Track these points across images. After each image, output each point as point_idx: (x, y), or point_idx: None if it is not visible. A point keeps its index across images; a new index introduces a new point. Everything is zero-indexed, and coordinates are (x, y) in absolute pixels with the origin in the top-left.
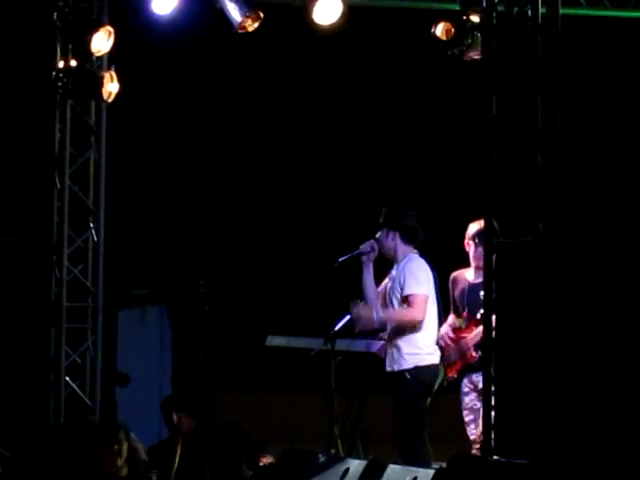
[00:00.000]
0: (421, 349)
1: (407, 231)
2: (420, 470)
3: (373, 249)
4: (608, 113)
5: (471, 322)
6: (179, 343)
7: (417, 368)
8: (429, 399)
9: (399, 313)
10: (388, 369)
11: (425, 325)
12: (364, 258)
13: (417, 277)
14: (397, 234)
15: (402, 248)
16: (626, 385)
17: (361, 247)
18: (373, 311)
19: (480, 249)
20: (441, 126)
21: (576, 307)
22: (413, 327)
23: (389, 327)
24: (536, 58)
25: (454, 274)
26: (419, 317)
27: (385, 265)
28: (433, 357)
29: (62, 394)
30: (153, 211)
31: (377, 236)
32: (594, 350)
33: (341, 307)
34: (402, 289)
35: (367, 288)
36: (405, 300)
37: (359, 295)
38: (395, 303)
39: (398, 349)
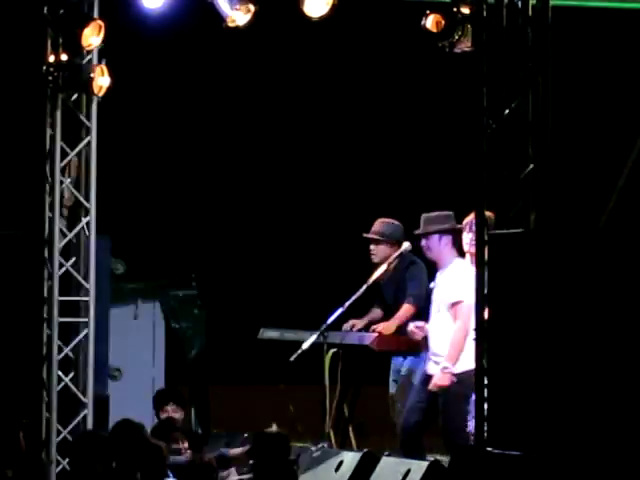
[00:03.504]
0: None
1: (456, 234)
2: (414, 462)
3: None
4: (600, 105)
5: None
6: (171, 337)
7: (465, 372)
8: None
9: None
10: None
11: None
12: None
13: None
14: (450, 238)
15: (451, 252)
16: (618, 377)
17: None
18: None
19: None
20: (432, 118)
21: (568, 298)
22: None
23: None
24: (527, 50)
25: None
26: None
27: None
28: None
29: (54, 388)
30: (145, 205)
31: (423, 244)
32: (586, 342)
33: (334, 300)
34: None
35: None
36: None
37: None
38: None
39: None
